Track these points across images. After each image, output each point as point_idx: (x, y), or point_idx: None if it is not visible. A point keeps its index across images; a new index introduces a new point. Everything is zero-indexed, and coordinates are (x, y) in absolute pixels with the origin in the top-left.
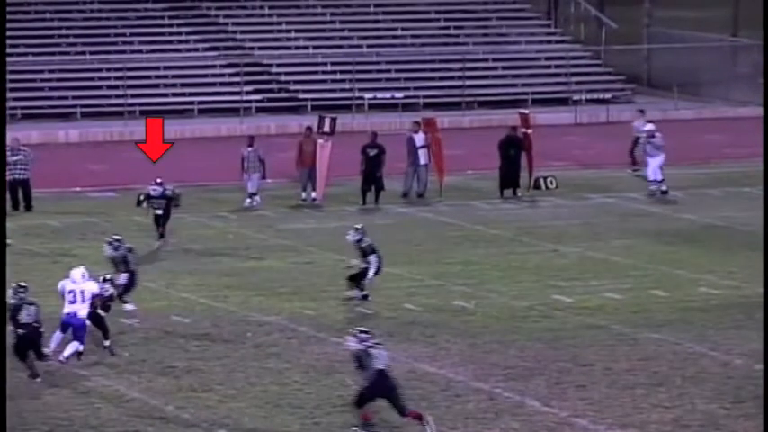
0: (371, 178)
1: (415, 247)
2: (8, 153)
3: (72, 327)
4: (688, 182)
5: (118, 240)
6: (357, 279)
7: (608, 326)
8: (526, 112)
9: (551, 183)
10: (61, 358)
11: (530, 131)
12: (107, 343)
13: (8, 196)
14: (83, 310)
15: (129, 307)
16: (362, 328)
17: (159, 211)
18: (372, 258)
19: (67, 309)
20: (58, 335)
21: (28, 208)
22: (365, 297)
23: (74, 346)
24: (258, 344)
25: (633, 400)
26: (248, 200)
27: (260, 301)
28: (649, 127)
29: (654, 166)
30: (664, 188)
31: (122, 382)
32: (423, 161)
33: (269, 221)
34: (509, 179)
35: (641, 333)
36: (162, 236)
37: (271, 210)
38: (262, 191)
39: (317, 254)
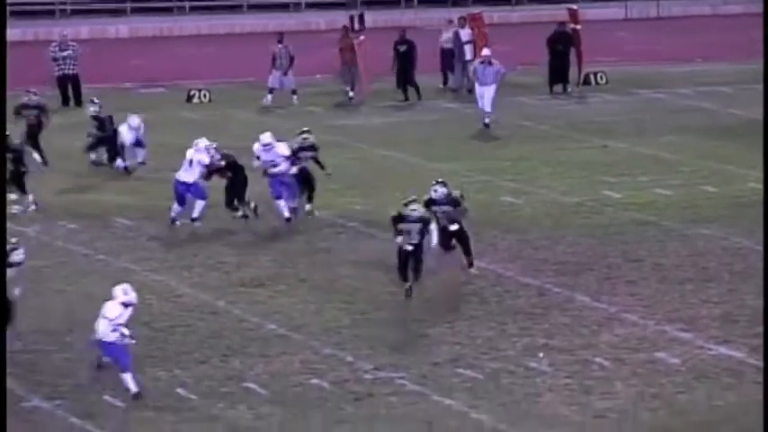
0: (404, 75)
1: (463, 143)
2: (57, 49)
3: (191, 193)
4: (736, 77)
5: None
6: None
7: (657, 221)
8: (575, 7)
9: (601, 78)
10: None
11: (579, 27)
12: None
13: (58, 92)
14: (192, 176)
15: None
16: None
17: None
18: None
19: (183, 177)
20: (176, 207)
21: (78, 103)
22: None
23: (200, 204)
24: (308, 239)
25: (682, 296)
26: (269, 96)
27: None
28: (485, 52)
29: (488, 96)
30: (486, 121)
31: (173, 278)
32: (468, 56)
33: (317, 118)
34: (558, 74)
35: (691, 229)
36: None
37: (318, 106)
38: (303, 86)
39: (365, 150)
